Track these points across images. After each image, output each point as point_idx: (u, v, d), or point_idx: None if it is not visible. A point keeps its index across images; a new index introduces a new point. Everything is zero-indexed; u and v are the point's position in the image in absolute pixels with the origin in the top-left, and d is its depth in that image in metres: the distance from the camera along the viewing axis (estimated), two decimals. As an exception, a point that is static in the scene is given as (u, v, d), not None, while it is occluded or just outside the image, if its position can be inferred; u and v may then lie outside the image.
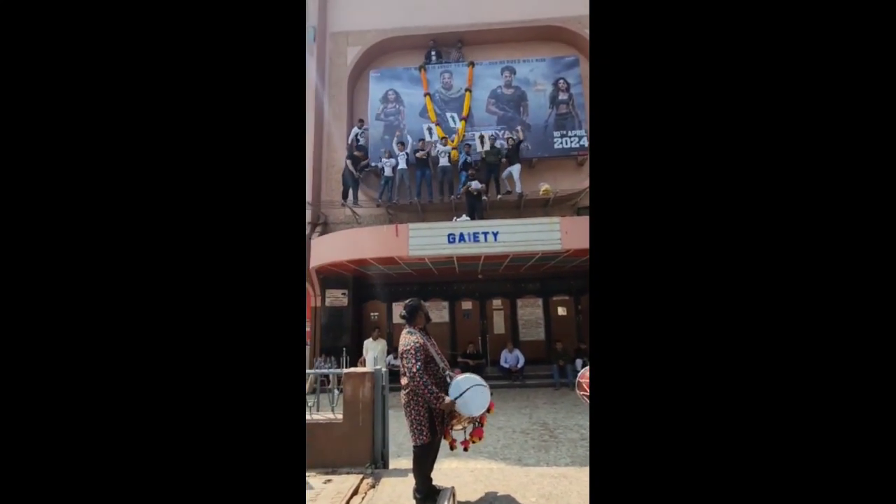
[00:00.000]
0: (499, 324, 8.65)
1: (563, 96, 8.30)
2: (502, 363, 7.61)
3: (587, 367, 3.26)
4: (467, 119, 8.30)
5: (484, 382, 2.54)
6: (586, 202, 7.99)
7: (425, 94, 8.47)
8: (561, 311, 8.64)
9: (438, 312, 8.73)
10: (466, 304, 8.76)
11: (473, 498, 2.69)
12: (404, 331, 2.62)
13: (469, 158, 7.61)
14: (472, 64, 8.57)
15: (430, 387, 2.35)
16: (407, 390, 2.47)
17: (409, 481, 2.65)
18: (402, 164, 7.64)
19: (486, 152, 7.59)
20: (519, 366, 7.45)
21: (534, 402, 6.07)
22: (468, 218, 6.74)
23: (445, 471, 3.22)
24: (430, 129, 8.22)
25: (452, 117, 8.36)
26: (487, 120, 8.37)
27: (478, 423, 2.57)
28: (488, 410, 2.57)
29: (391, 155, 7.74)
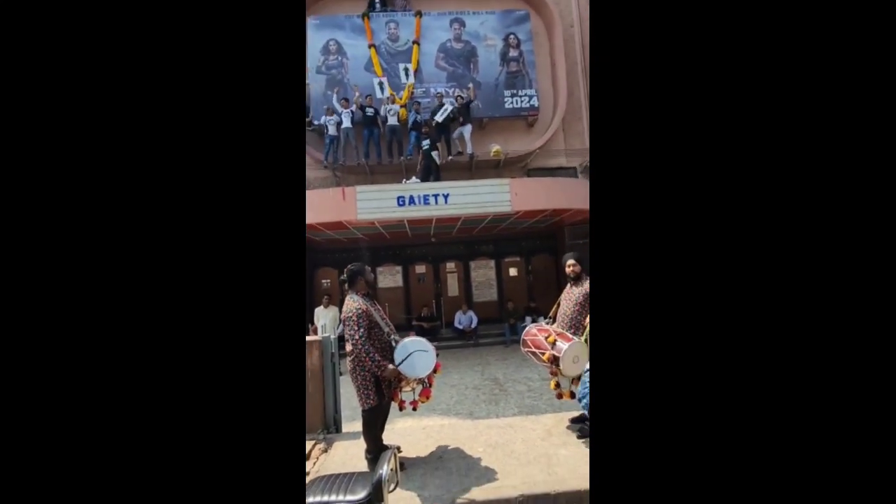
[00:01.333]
0: (453, 286, 8.76)
1: (513, 53, 8.08)
2: (456, 324, 7.79)
3: (533, 325, 3.38)
4: (416, 74, 7.88)
5: (428, 345, 2.55)
6: (536, 164, 8.06)
7: (370, 46, 7.88)
8: (512, 272, 8.90)
9: (392, 277, 8.67)
10: (420, 268, 8.75)
11: (424, 453, 2.76)
12: (347, 297, 2.55)
13: (419, 117, 7.30)
14: (419, 14, 8.04)
15: (372, 354, 2.35)
16: (351, 357, 2.44)
17: (362, 444, 2.66)
18: (347, 123, 7.17)
19: (443, 120, 7.19)
20: (472, 326, 7.67)
21: (486, 360, 6.32)
22: (418, 180, 6.57)
23: (398, 430, 3.28)
24: (381, 85, 7.70)
25: (406, 69, 7.83)
26: (436, 76, 8.00)
27: (426, 384, 2.60)
28: (435, 371, 2.60)
29: (333, 112, 7.21)
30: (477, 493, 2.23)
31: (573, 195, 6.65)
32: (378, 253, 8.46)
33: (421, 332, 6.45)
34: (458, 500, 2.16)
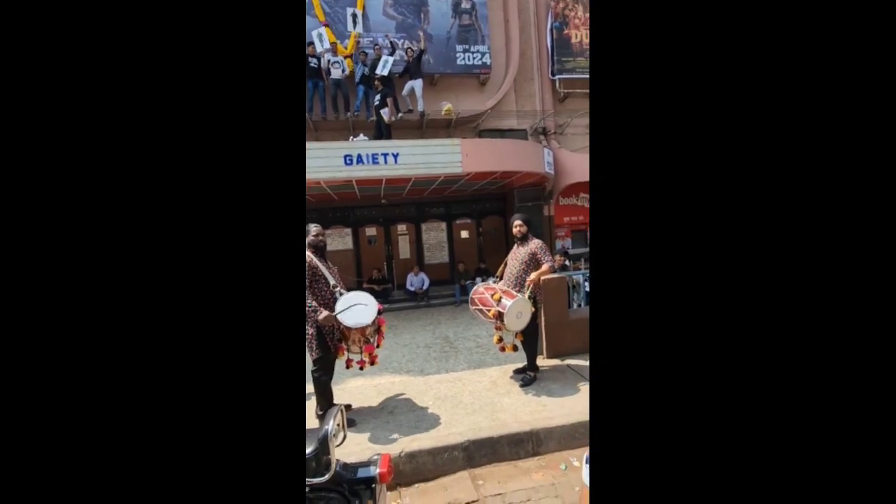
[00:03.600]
0: (404, 248, 8.72)
1: (466, 5, 7.71)
2: (408, 286, 7.84)
3: (481, 283, 3.48)
4: (362, 22, 7.30)
5: (369, 297, 2.60)
6: (488, 124, 7.99)
7: (310, -15, 7.12)
8: (464, 234, 8.99)
9: (341, 239, 8.43)
10: (370, 230, 8.58)
11: (376, 407, 2.84)
12: None
13: (366, 70, 6.85)
14: (364, -48, 7.33)
15: (308, 301, 2.44)
16: None
17: (311, 404, 2.67)
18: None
19: (387, 73, 6.75)
20: (424, 288, 7.76)
21: (437, 320, 6.47)
22: (366, 138, 6.28)
23: (350, 388, 3.33)
24: (320, 35, 7.02)
25: (354, 14, 7.15)
26: (385, 25, 7.47)
27: (370, 341, 2.63)
28: (379, 328, 2.64)
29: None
30: (426, 440, 2.35)
31: (523, 158, 6.73)
32: (326, 214, 8.13)
33: (373, 295, 6.41)
34: (408, 448, 2.26)
